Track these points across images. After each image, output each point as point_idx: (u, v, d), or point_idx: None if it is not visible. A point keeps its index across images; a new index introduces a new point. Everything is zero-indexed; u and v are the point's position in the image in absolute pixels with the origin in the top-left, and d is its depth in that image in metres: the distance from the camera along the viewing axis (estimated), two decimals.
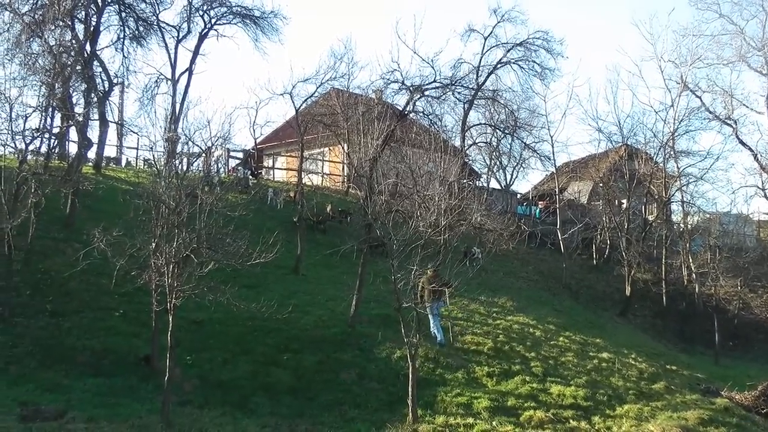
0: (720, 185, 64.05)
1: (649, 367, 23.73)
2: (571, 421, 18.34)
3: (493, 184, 48.12)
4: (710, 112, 40.38)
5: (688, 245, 38.51)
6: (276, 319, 19.51)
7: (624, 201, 41.33)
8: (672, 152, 39.90)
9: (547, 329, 25.25)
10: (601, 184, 43.65)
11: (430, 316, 21.60)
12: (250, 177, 40.28)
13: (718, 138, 53.64)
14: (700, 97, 40.50)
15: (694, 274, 37.16)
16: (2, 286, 19.70)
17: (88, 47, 31.93)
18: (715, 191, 77.26)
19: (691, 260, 37.75)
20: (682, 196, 41.37)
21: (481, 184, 45.78)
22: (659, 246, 38.94)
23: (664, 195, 40.03)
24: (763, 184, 39.99)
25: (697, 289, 36.61)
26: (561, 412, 18.75)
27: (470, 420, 17.36)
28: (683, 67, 40.47)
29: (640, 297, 36.80)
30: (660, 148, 39.58)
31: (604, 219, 40.22)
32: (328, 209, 34.48)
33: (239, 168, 42.48)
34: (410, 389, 16.96)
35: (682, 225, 41.61)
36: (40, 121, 24.03)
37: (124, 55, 37.37)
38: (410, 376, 17.05)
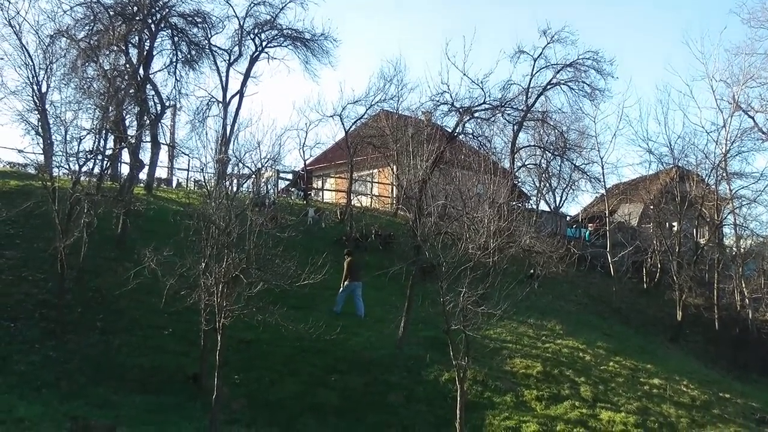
0: None
1: (702, 394, 23.25)
2: None
3: (543, 207, 47.71)
4: (763, 133, 39.51)
5: (740, 269, 37.70)
6: (324, 340, 19.56)
7: (675, 224, 40.64)
8: (724, 174, 39.10)
9: (597, 354, 24.88)
10: (651, 207, 43.01)
11: (342, 292, 25.14)
12: (301, 197, 40.62)
13: None
14: (752, 117, 39.62)
15: (747, 299, 36.36)
16: (55, 304, 20.06)
17: (141, 71, 32.51)
18: None
19: (744, 285, 36.92)
20: (735, 219, 40.46)
21: (530, 206, 45.39)
22: (711, 270, 38.09)
23: (716, 218, 39.29)
24: None
25: (750, 315, 35.82)
26: None
27: None
28: (735, 86, 39.64)
29: (692, 322, 36.05)
30: (712, 170, 38.85)
31: (654, 242, 39.55)
32: (373, 231, 34.44)
33: (291, 189, 42.81)
34: (458, 412, 16.82)
35: (734, 249, 40.73)
36: (94, 143, 24.40)
37: (176, 79, 37.85)
38: (458, 398, 16.93)
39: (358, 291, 25.41)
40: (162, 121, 36.30)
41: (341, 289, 25.30)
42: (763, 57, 39.74)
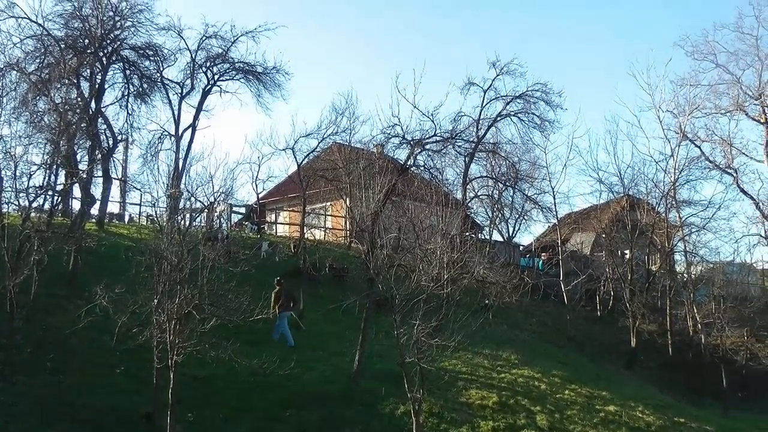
0: (722, 234, 62.93)
1: (657, 419, 23.49)
2: None
3: (496, 237, 48.04)
4: (710, 162, 40.60)
5: (692, 295, 38.29)
6: (278, 375, 19.41)
7: (627, 252, 41.26)
8: (674, 202, 40.02)
9: (553, 382, 25.01)
10: (603, 235, 43.61)
11: (278, 322, 24.77)
12: (255, 231, 40.50)
13: (719, 187, 53.37)
14: (699, 147, 40.78)
15: (699, 325, 36.90)
16: (3, 344, 19.61)
17: (93, 105, 32.32)
18: (717, 241, 76.25)
19: (695, 310, 37.49)
20: (685, 246, 41.34)
21: (483, 237, 45.69)
22: (663, 297, 38.68)
23: (666, 245, 40.00)
24: (765, 232, 39.94)
25: (703, 340, 36.33)
26: None
27: None
28: (682, 116, 40.80)
29: (646, 348, 36.49)
30: (661, 198, 39.73)
31: (607, 270, 40.12)
32: (326, 264, 34.42)
33: (244, 223, 42.65)
34: None
35: (685, 275, 41.39)
36: (44, 178, 24.14)
37: (128, 112, 37.75)
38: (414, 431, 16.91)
39: (282, 321, 25.08)
40: (114, 155, 36.13)
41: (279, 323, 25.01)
42: (707, 88, 40.80)
